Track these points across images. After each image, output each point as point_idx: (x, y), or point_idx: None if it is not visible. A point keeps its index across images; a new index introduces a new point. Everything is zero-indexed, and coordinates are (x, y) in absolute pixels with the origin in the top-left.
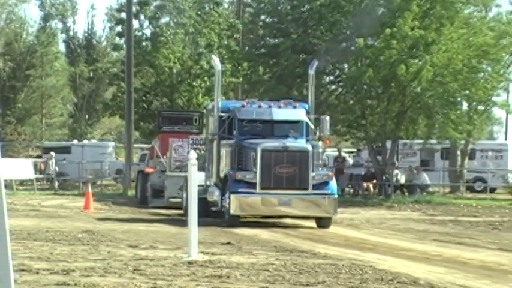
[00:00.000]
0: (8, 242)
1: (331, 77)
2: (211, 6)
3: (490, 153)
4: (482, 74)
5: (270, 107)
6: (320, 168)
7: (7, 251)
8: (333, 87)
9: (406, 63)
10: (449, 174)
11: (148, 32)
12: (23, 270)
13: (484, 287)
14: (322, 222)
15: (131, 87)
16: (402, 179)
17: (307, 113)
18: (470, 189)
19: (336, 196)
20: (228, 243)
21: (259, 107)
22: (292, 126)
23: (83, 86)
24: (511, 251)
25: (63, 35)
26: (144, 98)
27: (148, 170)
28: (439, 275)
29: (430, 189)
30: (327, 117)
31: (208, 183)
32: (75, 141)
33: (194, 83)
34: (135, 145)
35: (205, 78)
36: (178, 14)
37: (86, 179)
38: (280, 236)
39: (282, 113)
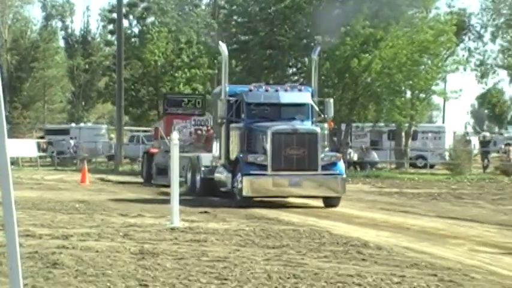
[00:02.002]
0: (14, 211)
1: (294, 69)
2: (191, 8)
3: (429, 135)
4: (423, 66)
5: (276, 90)
6: (326, 149)
7: (13, 219)
8: (295, 78)
9: (358, 57)
10: (395, 152)
11: (136, 30)
12: (28, 235)
13: (424, 248)
14: (331, 202)
15: (121, 77)
16: (355, 157)
17: (312, 95)
18: (413, 165)
19: (344, 176)
20: (205, 212)
21: (267, 91)
22: (298, 109)
23: (79, 77)
24: (447, 218)
25: (63, 33)
26: (132, 87)
27: (153, 150)
28: (385, 239)
29: (379, 166)
30: (331, 100)
31: (214, 164)
32: (73, 124)
33: (176, 74)
34: (125, 127)
35: (186, 70)
36: (162, 14)
37: (82, 157)
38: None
39: (289, 96)
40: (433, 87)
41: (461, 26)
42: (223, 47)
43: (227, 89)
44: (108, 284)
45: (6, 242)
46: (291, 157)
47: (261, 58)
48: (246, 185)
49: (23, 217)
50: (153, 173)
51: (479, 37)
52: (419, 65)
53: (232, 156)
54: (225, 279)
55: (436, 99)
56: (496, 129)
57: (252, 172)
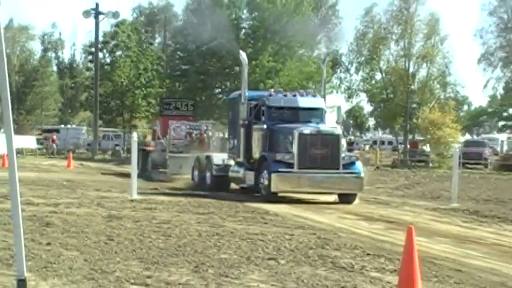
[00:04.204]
0: (17, 186)
1: (219, 89)
2: (147, 45)
3: None
4: (310, 90)
5: (294, 95)
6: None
7: (17, 192)
8: (220, 96)
9: (264, 82)
10: None
11: (108, 59)
12: (28, 203)
13: (307, 215)
14: (348, 198)
15: (97, 93)
16: None
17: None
18: None
19: (363, 174)
20: (155, 189)
21: (285, 96)
22: (314, 113)
23: (67, 92)
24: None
25: (56, 61)
26: (105, 100)
27: (150, 148)
28: (282, 209)
29: None
30: (340, 106)
31: (226, 162)
32: (63, 126)
33: (136, 92)
34: (100, 128)
35: (143, 89)
36: (127, 49)
37: (69, 148)
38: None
39: (306, 101)
40: None
41: (335, 62)
42: (243, 56)
43: (246, 94)
44: (85, 238)
45: (12, 208)
46: (316, 156)
47: (196, 81)
48: (274, 182)
49: (25, 191)
50: (149, 167)
51: (347, 70)
52: (306, 89)
53: (255, 155)
54: (169, 236)
55: None
56: (358, 134)
57: (280, 170)
